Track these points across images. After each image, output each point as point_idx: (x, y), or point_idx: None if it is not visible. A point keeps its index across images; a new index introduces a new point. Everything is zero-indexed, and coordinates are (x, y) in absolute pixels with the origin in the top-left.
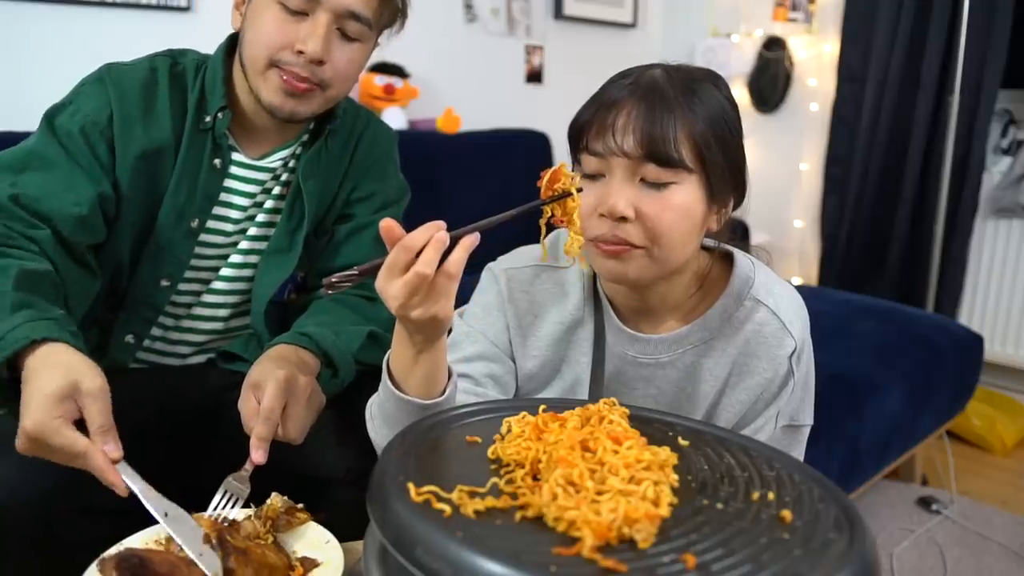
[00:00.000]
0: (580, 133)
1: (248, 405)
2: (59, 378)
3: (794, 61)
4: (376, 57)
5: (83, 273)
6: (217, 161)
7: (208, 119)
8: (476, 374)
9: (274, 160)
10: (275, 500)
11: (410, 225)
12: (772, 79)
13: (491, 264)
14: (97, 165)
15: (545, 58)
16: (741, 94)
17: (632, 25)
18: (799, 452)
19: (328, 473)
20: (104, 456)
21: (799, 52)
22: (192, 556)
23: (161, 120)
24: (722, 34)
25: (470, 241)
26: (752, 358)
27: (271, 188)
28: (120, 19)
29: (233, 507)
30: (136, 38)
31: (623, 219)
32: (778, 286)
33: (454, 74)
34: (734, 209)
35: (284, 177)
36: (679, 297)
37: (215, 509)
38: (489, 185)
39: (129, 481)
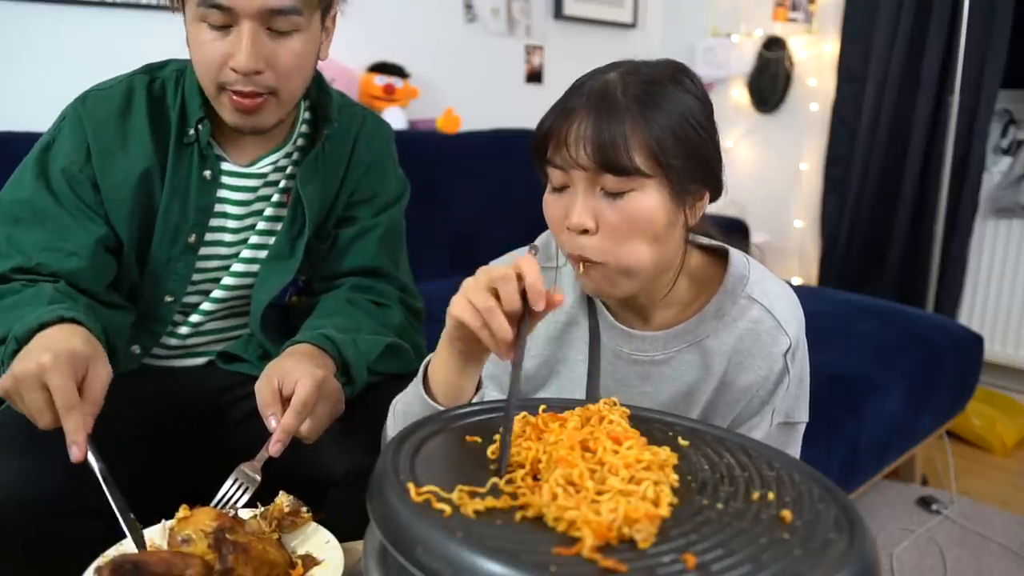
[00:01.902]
0: (542, 148)
1: (269, 389)
2: (80, 344)
3: (794, 61)
4: (376, 57)
5: (111, 311)
6: (207, 173)
7: (191, 132)
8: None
9: (264, 165)
10: (282, 499)
11: (410, 225)
12: (772, 79)
13: (484, 268)
14: (85, 207)
15: (545, 58)
16: (741, 94)
17: (632, 25)
18: (795, 449)
19: (328, 473)
20: (84, 421)
21: (799, 52)
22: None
23: (141, 144)
24: (722, 34)
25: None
26: (747, 356)
27: (268, 195)
28: (120, 19)
29: (242, 496)
30: (136, 38)
31: (585, 231)
32: (773, 284)
33: (454, 74)
34: (712, 201)
35: (282, 184)
36: (672, 293)
37: (223, 495)
38: (489, 185)
39: (92, 458)
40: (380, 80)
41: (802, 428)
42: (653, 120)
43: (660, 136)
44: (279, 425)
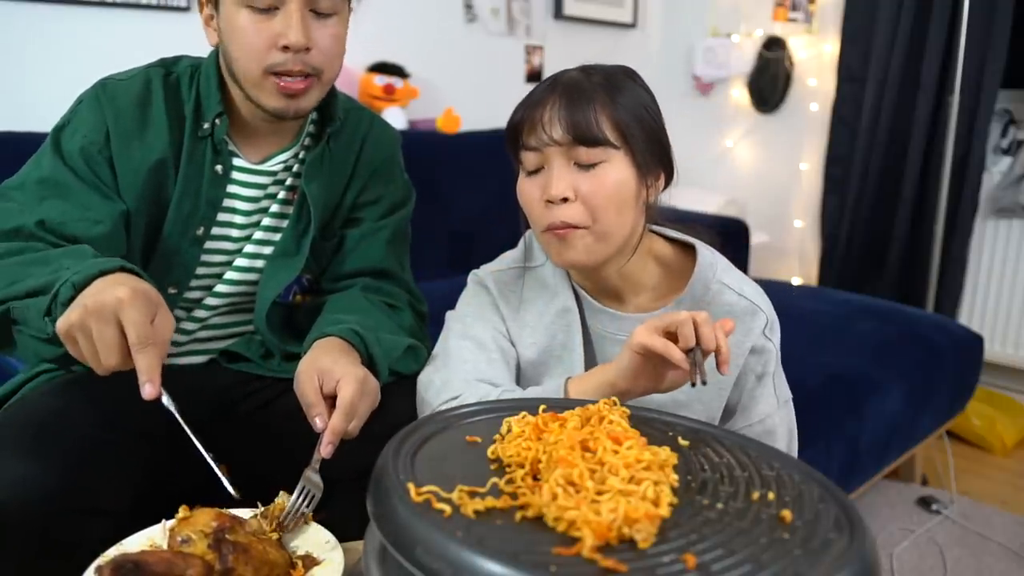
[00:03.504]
0: (516, 134)
1: (312, 388)
2: (149, 285)
3: (794, 61)
4: (376, 57)
5: None
6: (219, 167)
7: (206, 126)
8: (486, 339)
9: (275, 164)
10: (282, 499)
11: (411, 225)
12: (772, 79)
13: (475, 271)
14: (103, 185)
15: (545, 58)
16: (741, 94)
17: (632, 25)
18: (795, 425)
19: (329, 473)
20: (159, 358)
21: (799, 52)
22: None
23: (159, 133)
24: (722, 34)
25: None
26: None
27: (275, 192)
28: (120, 19)
29: (310, 505)
30: (136, 38)
31: (564, 200)
32: (737, 273)
33: (454, 74)
34: (665, 187)
35: (289, 181)
36: (638, 275)
37: (294, 507)
38: (489, 185)
39: (166, 397)
40: (380, 80)
41: (792, 404)
42: (617, 101)
43: (624, 115)
44: (328, 427)
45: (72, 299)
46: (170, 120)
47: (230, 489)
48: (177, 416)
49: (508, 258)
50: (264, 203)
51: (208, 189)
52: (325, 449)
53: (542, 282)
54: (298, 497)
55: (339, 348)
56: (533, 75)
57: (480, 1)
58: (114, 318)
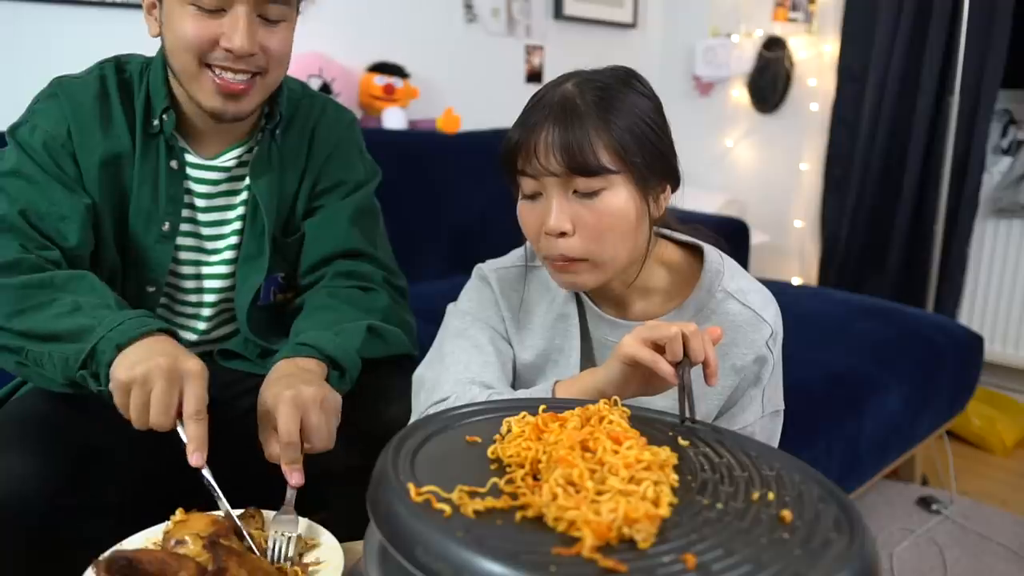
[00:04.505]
0: (512, 158)
1: (268, 435)
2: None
3: (794, 61)
4: (376, 57)
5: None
6: (174, 163)
7: (156, 122)
8: (483, 340)
9: (227, 159)
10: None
11: (411, 225)
12: (772, 79)
13: (480, 265)
14: (67, 178)
15: (545, 58)
16: (741, 94)
17: (632, 25)
18: (778, 437)
19: (331, 466)
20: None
21: (799, 52)
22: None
23: (118, 127)
24: (722, 34)
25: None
26: (731, 346)
27: (233, 190)
28: (120, 19)
29: (289, 548)
30: (136, 38)
31: (563, 234)
32: (745, 280)
33: (454, 74)
34: (673, 191)
35: (247, 180)
36: (645, 282)
37: (272, 557)
38: (489, 185)
39: (206, 469)
40: (380, 80)
41: (782, 415)
42: (612, 122)
43: (620, 136)
44: (282, 461)
45: (113, 360)
46: (126, 116)
47: (250, 542)
48: (212, 484)
49: (514, 255)
50: (225, 200)
51: (167, 185)
52: (293, 478)
53: (544, 283)
54: (272, 547)
55: (281, 375)
56: (533, 75)
57: (480, 1)
58: (180, 384)
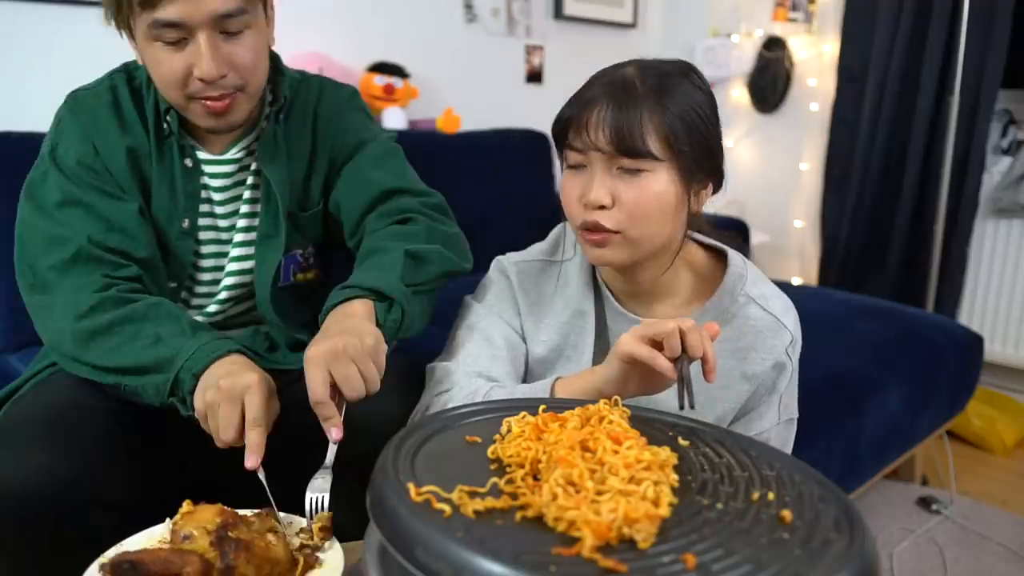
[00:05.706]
0: (563, 130)
1: (316, 384)
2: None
3: (794, 61)
4: (376, 57)
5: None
6: (188, 161)
7: (165, 125)
8: (495, 334)
9: (236, 152)
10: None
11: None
12: (772, 79)
13: (500, 257)
14: (110, 188)
15: (545, 58)
16: (741, 94)
17: (632, 25)
18: (791, 445)
19: (383, 417)
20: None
21: (799, 52)
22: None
23: (135, 128)
24: (722, 34)
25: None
26: (750, 351)
27: (244, 179)
28: None
29: (322, 506)
30: None
31: (602, 207)
32: (767, 286)
33: (454, 74)
34: (714, 193)
35: (254, 166)
36: (671, 282)
37: (309, 526)
38: (489, 185)
39: (261, 470)
40: (380, 80)
41: (795, 424)
42: (667, 108)
43: (672, 123)
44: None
45: (194, 388)
46: (141, 120)
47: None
48: (265, 484)
49: (536, 249)
50: (235, 191)
51: (183, 183)
52: (332, 435)
53: (565, 279)
54: (310, 515)
55: (324, 327)
56: (533, 75)
57: (480, 1)
58: (240, 399)
